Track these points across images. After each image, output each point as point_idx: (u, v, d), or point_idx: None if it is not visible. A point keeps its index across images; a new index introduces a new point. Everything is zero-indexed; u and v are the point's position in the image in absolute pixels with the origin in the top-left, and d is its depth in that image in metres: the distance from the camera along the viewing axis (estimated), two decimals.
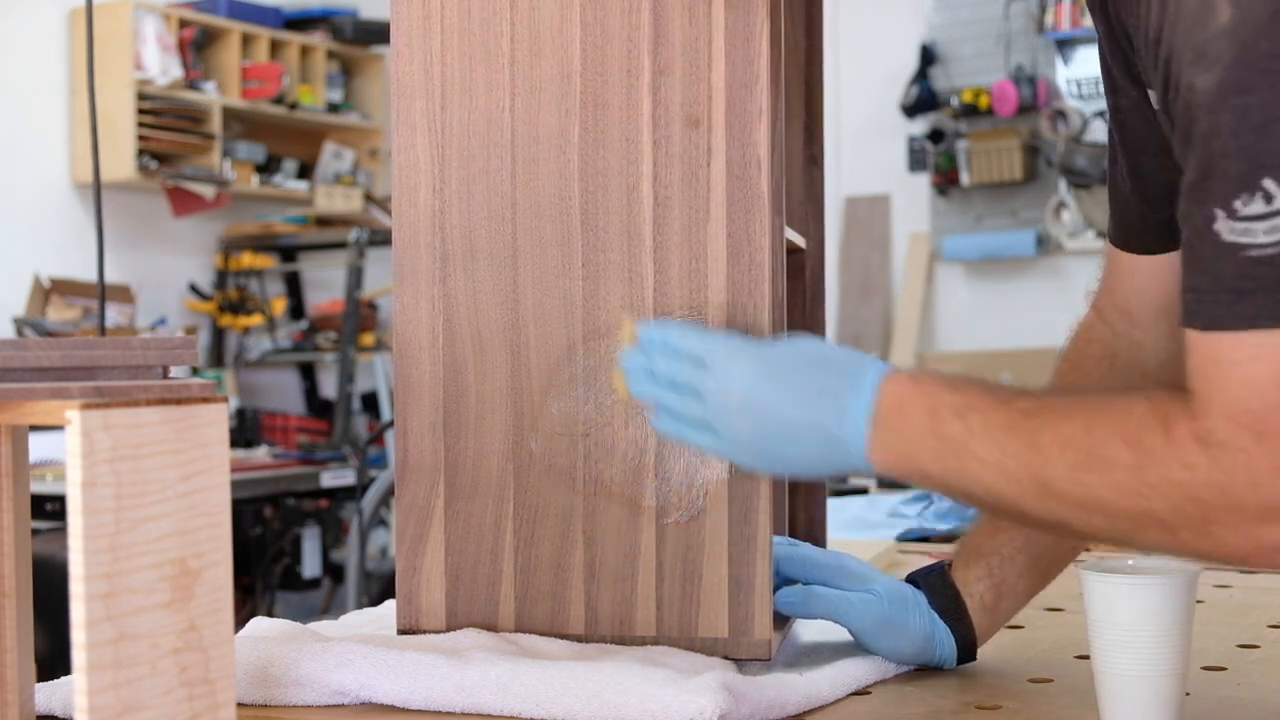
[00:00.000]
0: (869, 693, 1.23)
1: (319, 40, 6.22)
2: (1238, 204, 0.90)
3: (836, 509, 2.22)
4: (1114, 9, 1.11)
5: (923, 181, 6.54)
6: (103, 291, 2.03)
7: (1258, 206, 0.89)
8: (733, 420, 1.13)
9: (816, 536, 1.62)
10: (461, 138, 1.29)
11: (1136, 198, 1.25)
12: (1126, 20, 1.07)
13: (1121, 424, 0.98)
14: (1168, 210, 1.24)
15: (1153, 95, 1.10)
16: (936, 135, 6.41)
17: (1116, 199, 1.28)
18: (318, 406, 6.32)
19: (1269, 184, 0.89)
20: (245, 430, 5.80)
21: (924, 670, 1.30)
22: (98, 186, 1.93)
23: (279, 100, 5.97)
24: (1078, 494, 0.99)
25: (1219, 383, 0.93)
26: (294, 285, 6.41)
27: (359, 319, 5.81)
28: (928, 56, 6.44)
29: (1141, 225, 1.26)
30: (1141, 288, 1.29)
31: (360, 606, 3.15)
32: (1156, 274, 1.28)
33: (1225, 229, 0.91)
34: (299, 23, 6.24)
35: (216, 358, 6.04)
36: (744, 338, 1.20)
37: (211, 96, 5.73)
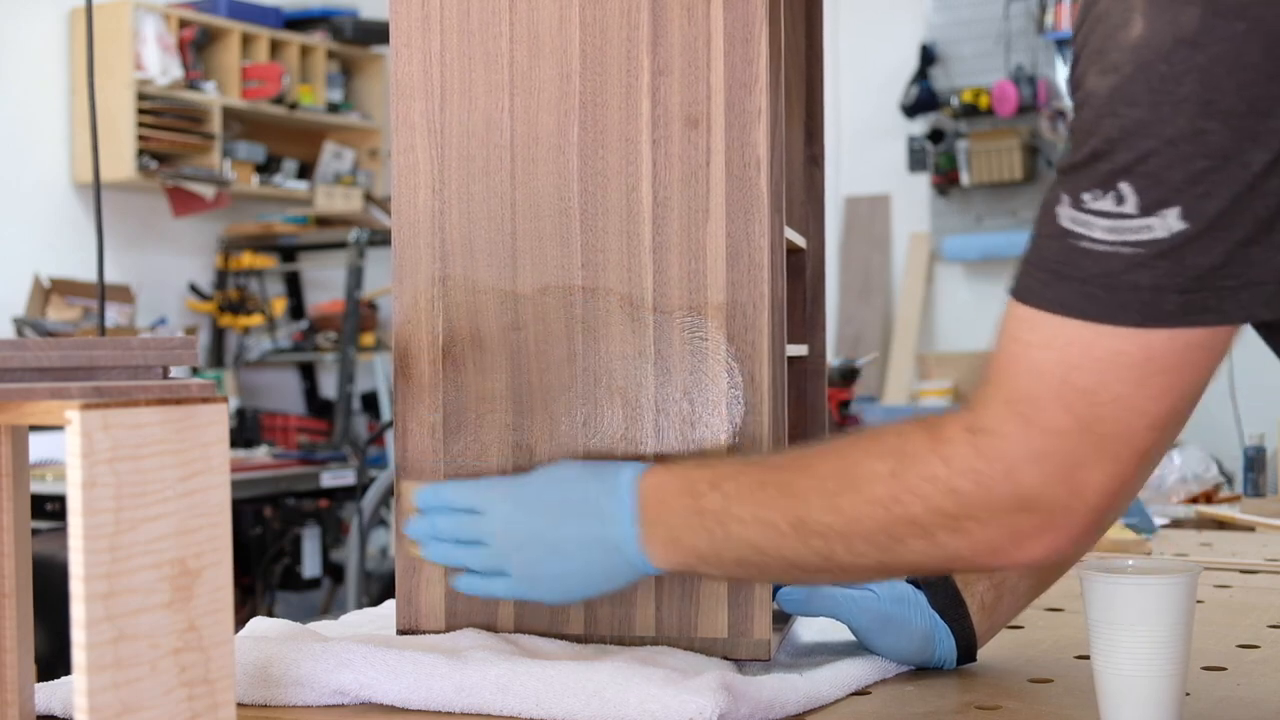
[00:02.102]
0: (869, 693, 1.23)
1: (319, 40, 6.21)
2: (1087, 197, 0.92)
3: None
4: None
5: (923, 181, 6.54)
6: (103, 291, 2.03)
7: (1107, 204, 0.92)
8: (512, 558, 1.17)
9: None
10: (461, 138, 1.29)
11: None
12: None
13: (878, 442, 1.02)
14: None
15: None
16: (936, 135, 6.41)
17: None
18: (318, 406, 6.31)
19: (1125, 188, 0.91)
20: (245, 430, 5.80)
21: (924, 670, 1.30)
22: (98, 186, 1.93)
23: (279, 100, 5.96)
24: (835, 522, 1.02)
25: (1007, 363, 0.96)
26: (294, 285, 6.41)
27: (359, 319, 5.81)
28: (928, 56, 6.44)
29: None
30: None
31: (360, 606, 3.15)
32: None
33: (1065, 215, 0.94)
34: (299, 23, 6.24)
35: (216, 358, 6.04)
36: (507, 476, 1.23)
37: (211, 96, 5.72)
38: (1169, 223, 0.90)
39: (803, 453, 1.08)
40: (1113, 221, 0.92)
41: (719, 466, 1.12)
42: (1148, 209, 0.90)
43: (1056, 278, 0.94)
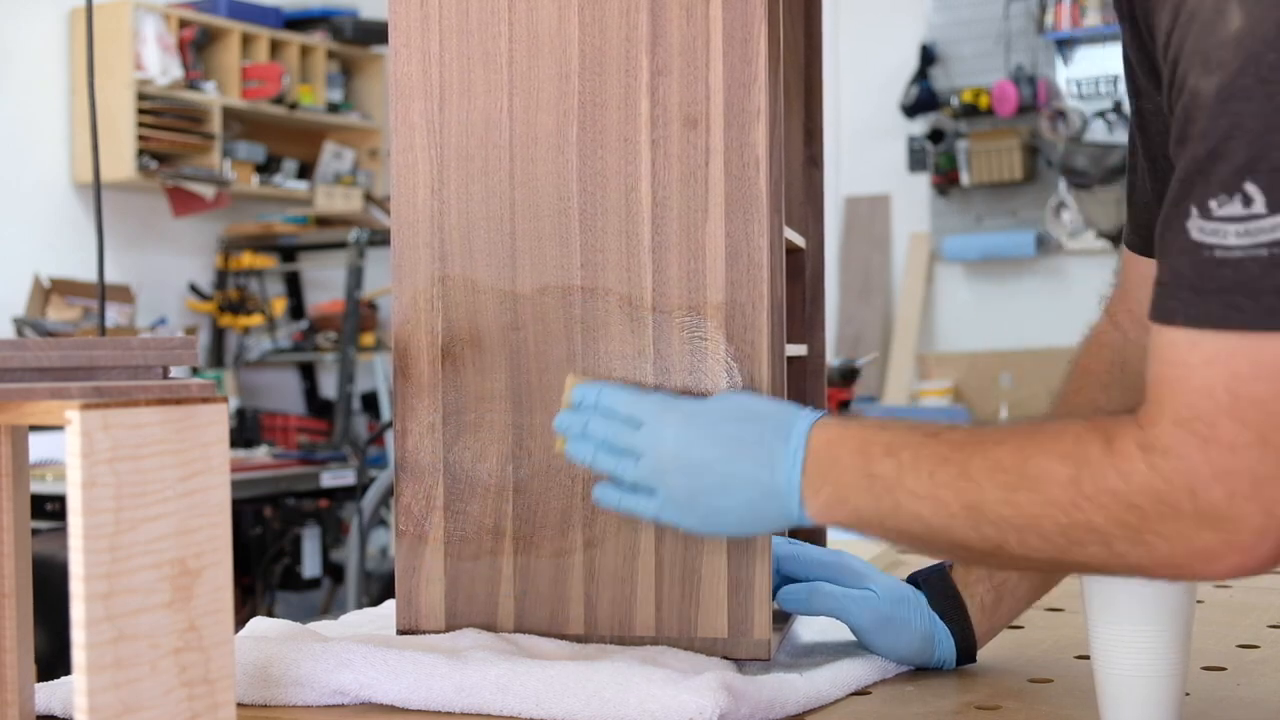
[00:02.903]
0: (869, 693, 1.23)
1: (319, 40, 6.22)
2: (1214, 204, 0.90)
3: None
4: (1140, 13, 1.12)
5: (923, 181, 6.55)
6: (103, 291, 2.03)
7: (1234, 208, 0.90)
8: (669, 480, 1.14)
9: (816, 537, 1.62)
10: (460, 138, 1.29)
11: (1157, 200, 1.26)
12: (1152, 23, 1.08)
13: (1056, 442, 0.99)
14: None
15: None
16: (936, 135, 6.41)
17: (1135, 203, 1.29)
18: (318, 406, 6.32)
19: (1251, 188, 0.89)
20: (245, 430, 5.80)
21: (924, 670, 1.30)
22: (98, 186, 1.93)
23: (279, 100, 5.97)
24: (1011, 516, 1.00)
25: (1173, 386, 0.94)
26: (294, 285, 6.41)
27: (359, 319, 5.81)
28: (928, 56, 6.44)
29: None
30: None
31: (360, 606, 3.15)
32: None
33: (1195, 228, 0.91)
34: (299, 23, 6.24)
35: (216, 358, 6.04)
36: (676, 395, 1.20)
37: (211, 96, 5.73)
38: None
39: (980, 434, 1.04)
40: (1244, 225, 0.89)
41: (896, 432, 1.08)
42: (1278, 205, 0.88)
43: (1196, 294, 0.91)
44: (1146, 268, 1.30)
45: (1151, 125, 1.23)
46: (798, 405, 1.14)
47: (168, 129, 5.56)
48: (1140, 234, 1.30)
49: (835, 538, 1.74)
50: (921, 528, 1.05)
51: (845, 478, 1.08)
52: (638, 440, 1.15)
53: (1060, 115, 6.11)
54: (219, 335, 6.07)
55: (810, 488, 1.09)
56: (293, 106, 6.04)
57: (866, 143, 6.53)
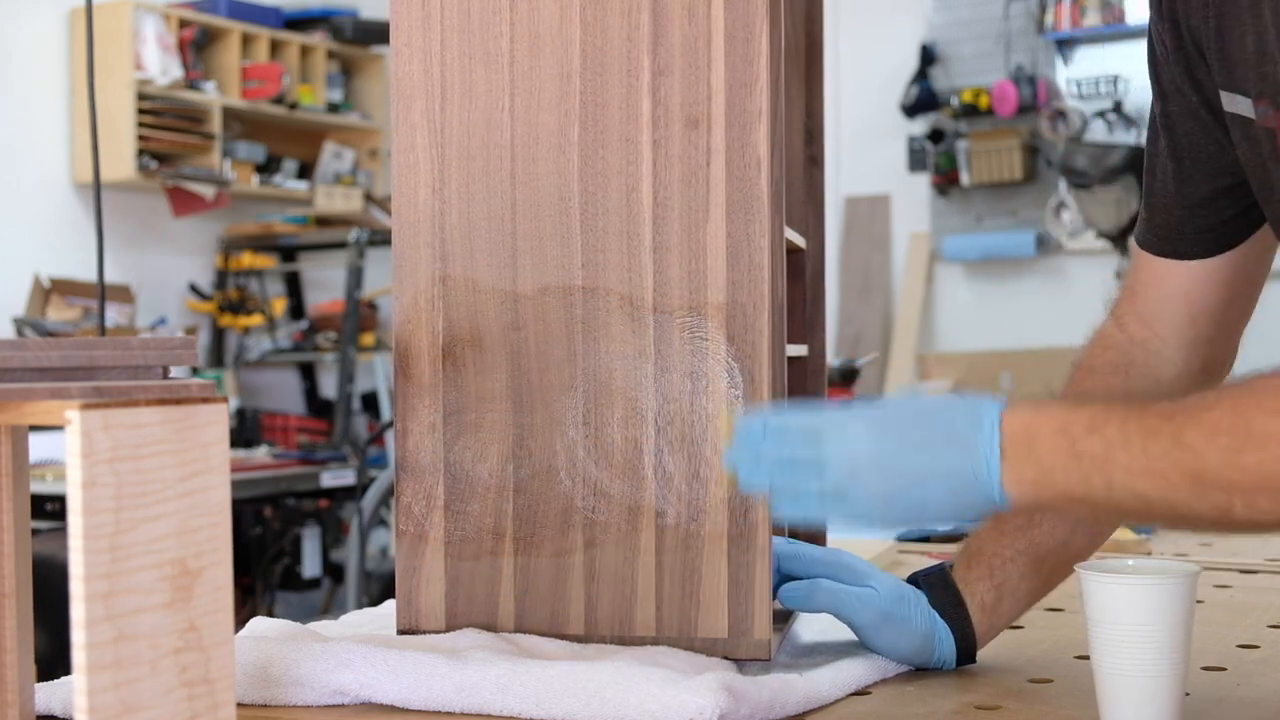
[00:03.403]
0: (869, 693, 1.23)
1: (319, 40, 6.21)
2: None
3: None
4: (1185, 18, 1.12)
5: (923, 181, 6.55)
6: (103, 291, 2.03)
7: None
8: (865, 482, 1.11)
9: (816, 536, 1.62)
10: (461, 138, 1.29)
11: (1179, 203, 1.26)
12: (1197, 24, 1.09)
13: (1273, 399, 0.98)
14: (1211, 216, 1.26)
15: (1229, 98, 1.11)
16: (936, 135, 6.41)
17: (1154, 205, 1.29)
18: (318, 406, 6.31)
19: None
20: (245, 430, 5.80)
21: (924, 670, 1.30)
22: (98, 186, 1.93)
23: (279, 100, 5.96)
24: (1238, 478, 0.98)
25: None
26: (294, 285, 6.41)
27: (359, 319, 5.81)
28: (928, 56, 6.44)
29: (1179, 230, 1.28)
30: (1168, 294, 1.30)
31: (360, 606, 3.15)
32: (1185, 281, 1.29)
33: None
34: (299, 23, 6.24)
35: (216, 358, 6.04)
36: (853, 402, 1.19)
37: (211, 96, 5.72)
38: None
39: (1186, 402, 1.03)
40: None
41: (1095, 410, 1.06)
42: None
43: None
44: (1162, 268, 1.30)
45: (1179, 126, 1.23)
46: (978, 395, 1.12)
47: (168, 129, 5.56)
48: (1157, 235, 1.30)
49: (835, 537, 1.74)
50: (1140, 503, 1.03)
51: (1049, 459, 1.06)
52: (821, 452, 1.12)
53: (1060, 115, 6.11)
54: (219, 335, 6.07)
55: (1012, 474, 1.07)
56: (293, 106, 6.03)
57: (866, 143, 6.53)
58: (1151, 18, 1.24)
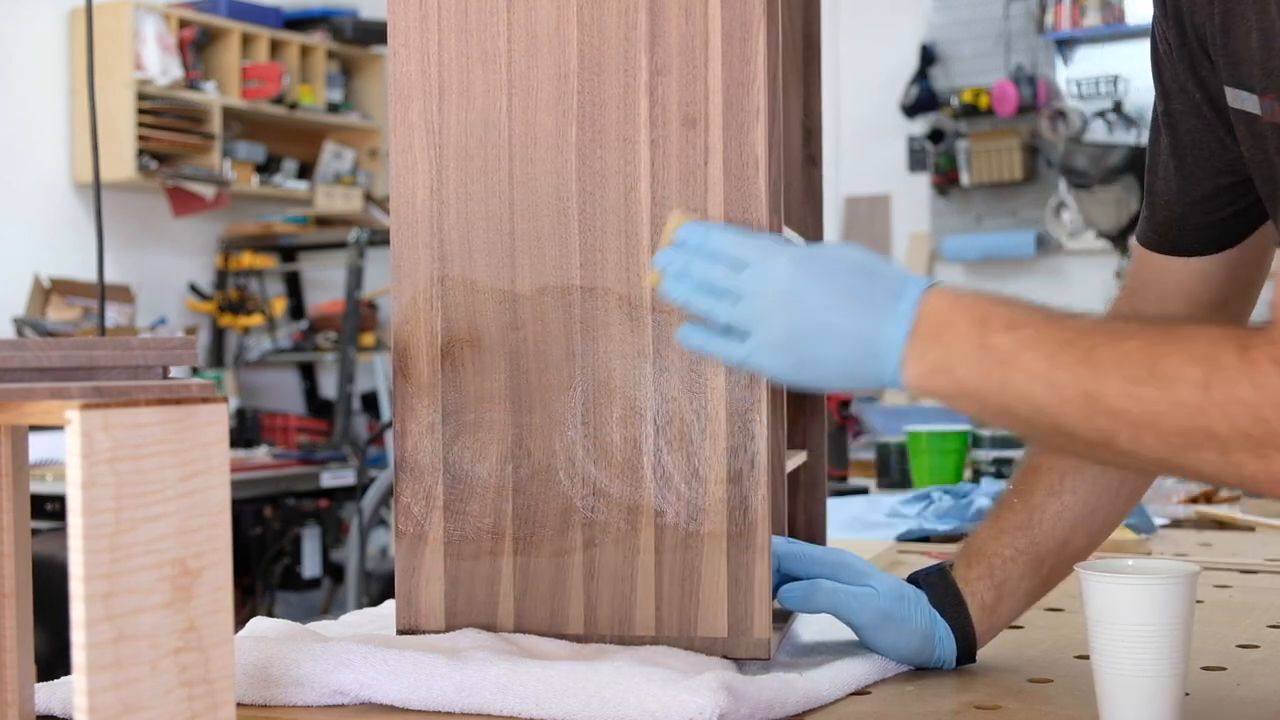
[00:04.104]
0: (869, 693, 1.23)
1: (319, 40, 6.21)
2: None
3: (836, 509, 2.22)
4: (1189, 15, 1.12)
5: (923, 181, 6.55)
6: (103, 291, 2.03)
7: None
8: (769, 319, 1.10)
9: (816, 536, 1.62)
10: (459, 138, 1.29)
11: (1180, 200, 1.26)
12: (1203, 22, 1.09)
13: (1189, 343, 0.97)
14: (1212, 213, 1.26)
15: (1234, 94, 1.11)
16: (936, 135, 6.41)
17: (1156, 203, 1.29)
18: (318, 406, 6.31)
19: None
20: (245, 430, 5.80)
21: (924, 670, 1.30)
22: (98, 186, 1.93)
23: (279, 100, 5.96)
24: (1132, 409, 0.98)
25: None
26: (294, 285, 6.41)
27: (359, 319, 5.81)
28: (928, 56, 6.44)
29: (1180, 227, 1.28)
30: (1169, 292, 1.30)
31: (360, 606, 3.15)
32: (1185, 279, 1.29)
33: None
34: (299, 23, 6.24)
35: (216, 358, 6.04)
36: (787, 240, 1.17)
37: (211, 96, 5.73)
38: None
39: (1109, 325, 1.03)
40: None
41: (1019, 310, 1.05)
42: None
43: None
44: (1162, 266, 1.31)
45: (1181, 124, 1.24)
46: (906, 270, 1.11)
47: (168, 129, 5.56)
48: (1159, 232, 1.30)
49: (835, 537, 1.74)
50: (1029, 409, 1.02)
51: (956, 345, 1.05)
52: (741, 282, 1.11)
53: (1060, 115, 6.11)
54: (219, 335, 6.07)
55: (915, 351, 1.06)
56: (293, 106, 6.03)
57: (866, 142, 6.53)
58: (1155, 15, 1.24)
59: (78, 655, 0.83)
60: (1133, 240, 1.36)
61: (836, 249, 1.13)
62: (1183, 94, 1.22)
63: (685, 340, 1.16)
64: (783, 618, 1.36)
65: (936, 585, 1.31)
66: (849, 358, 1.08)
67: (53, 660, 1.75)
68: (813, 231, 1.62)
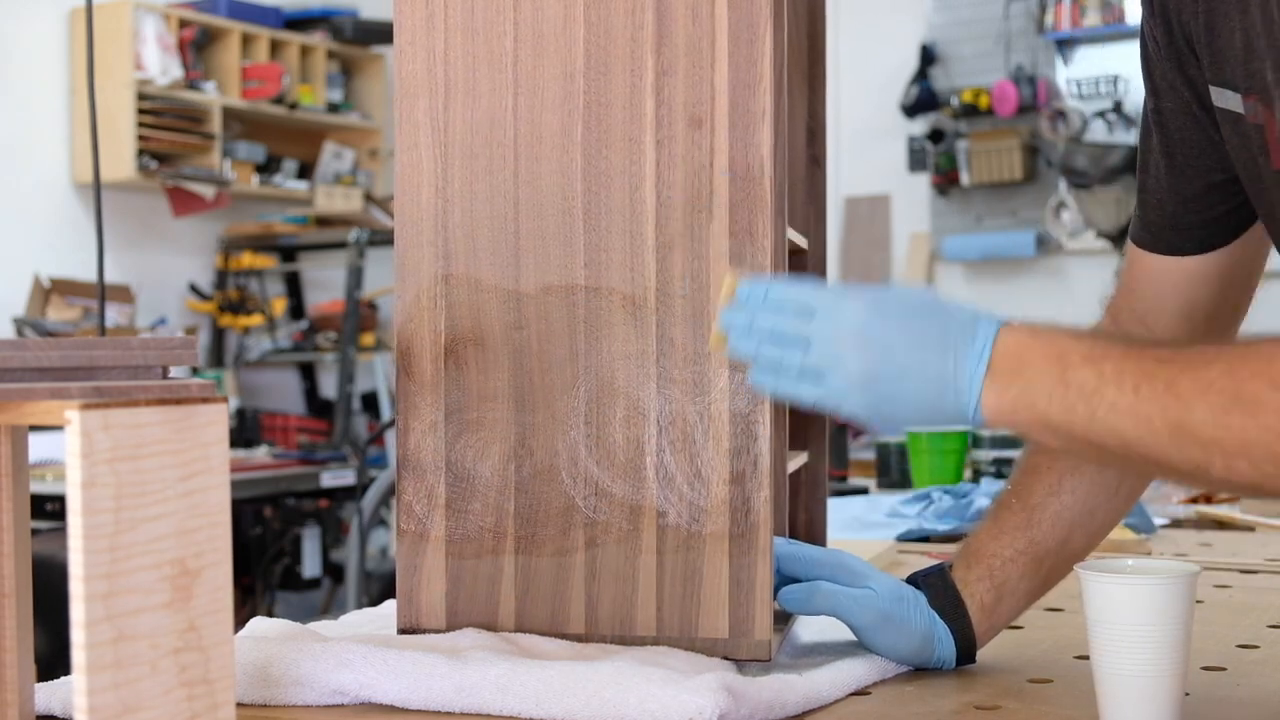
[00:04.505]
0: (869, 693, 1.23)
1: (319, 40, 6.21)
2: None
3: (836, 509, 2.22)
4: (1176, 14, 1.12)
5: (923, 181, 6.55)
6: (103, 291, 2.03)
7: None
8: (845, 361, 1.10)
9: (816, 536, 1.62)
10: (464, 137, 1.29)
11: (1172, 198, 1.26)
12: (1189, 20, 1.09)
13: (1270, 366, 0.98)
14: (1204, 211, 1.26)
15: (1219, 94, 1.11)
16: (936, 135, 6.41)
17: (1147, 202, 1.29)
18: (318, 406, 6.31)
19: None
20: (245, 430, 5.80)
21: (924, 670, 1.30)
22: (98, 186, 1.93)
23: (279, 100, 5.96)
24: (1221, 438, 0.98)
25: None
26: (294, 285, 6.41)
27: (359, 319, 5.81)
28: (928, 56, 6.44)
29: (1172, 226, 1.28)
30: (1162, 291, 1.30)
31: (360, 606, 3.15)
32: (1179, 278, 1.29)
33: None
34: (299, 23, 6.24)
35: (216, 358, 6.04)
36: (854, 285, 1.17)
37: (211, 96, 5.72)
38: None
39: (1188, 353, 1.03)
40: None
41: (1096, 343, 1.06)
42: None
43: None
44: (1156, 265, 1.30)
45: (1171, 122, 1.24)
46: (977, 307, 1.12)
47: (168, 129, 5.56)
48: (1151, 231, 1.30)
49: (835, 538, 1.74)
50: (1117, 442, 1.03)
51: (1037, 381, 1.05)
52: (810, 329, 1.12)
53: (1060, 115, 6.10)
54: (219, 335, 6.07)
55: (994, 387, 1.07)
56: (293, 106, 6.03)
57: (866, 143, 6.52)
58: (1144, 14, 1.24)
59: (78, 655, 0.83)
60: (1128, 240, 1.36)
61: (906, 290, 1.14)
62: (1172, 92, 1.22)
63: (759, 383, 1.16)
64: (783, 619, 1.36)
65: (936, 586, 1.31)
66: (928, 396, 1.09)
67: (53, 660, 1.75)
68: (816, 233, 1.62)
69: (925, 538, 2.12)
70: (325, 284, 6.39)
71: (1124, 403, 1.02)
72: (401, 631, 1.31)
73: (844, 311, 1.11)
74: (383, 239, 5.67)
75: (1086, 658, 1.11)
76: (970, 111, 6.29)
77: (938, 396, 1.09)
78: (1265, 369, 0.98)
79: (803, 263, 1.60)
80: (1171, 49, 1.20)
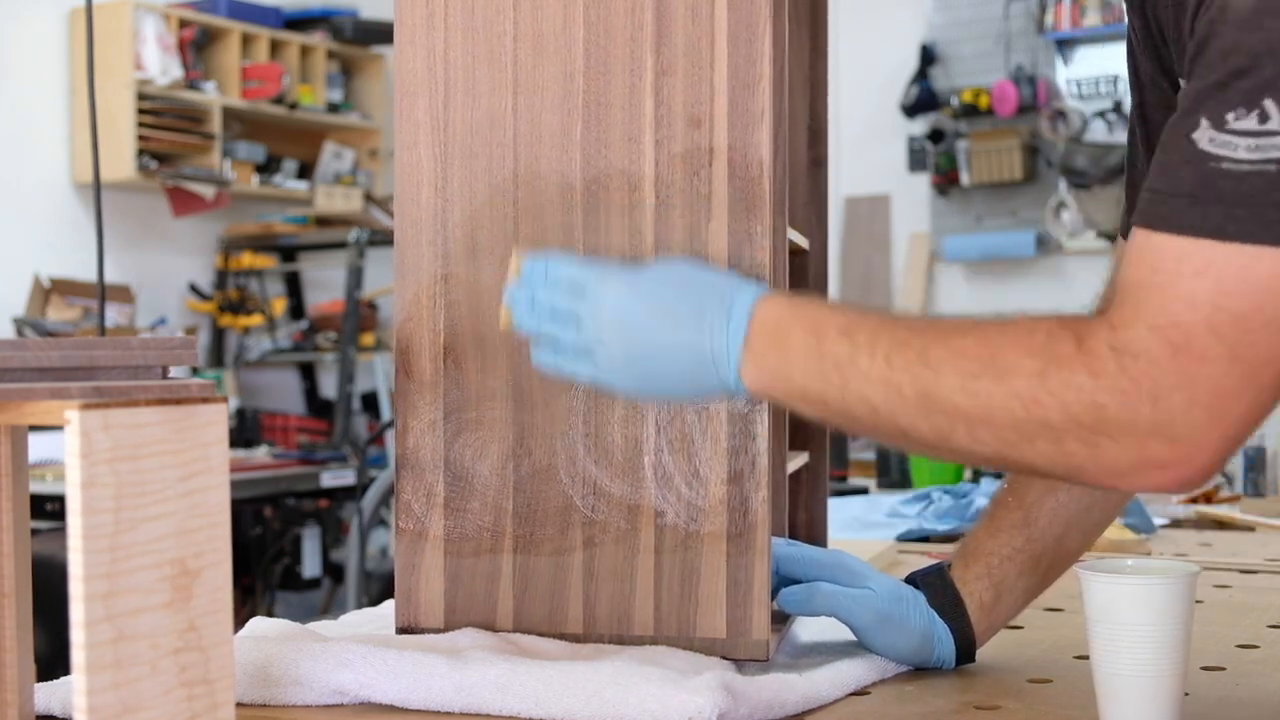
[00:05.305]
0: (868, 693, 1.23)
1: (319, 40, 6.21)
2: (1230, 116, 0.91)
3: (836, 509, 2.22)
4: (1151, 7, 1.12)
5: (923, 181, 6.54)
6: (103, 291, 2.03)
7: (1249, 123, 0.91)
8: (607, 343, 1.13)
9: (816, 536, 1.62)
10: (464, 136, 1.29)
11: None
12: (1161, 13, 1.09)
13: (1026, 337, 0.98)
14: None
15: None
16: (936, 135, 6.41)
17: (1134, 195, 1.29)
18: (318, 406, 6.31)
19: (1270, 105, 0.90)
20: (245, 430, 5.80)
21: (923, 670, 1.30)
22: (98, 186, 1.93)
23: (279, 100, 5.96)
24: (966, 405, 0.99)
25: (1155, 291, 0.94)
26: (294, 285, 6.40)
27: (359, 319, 5.81)
28: (928, 56, 6.44)
29: None
30: None
31: (360, 606, 3.15)
32: None
33: (1205, 138, 0.92)
34: (299, 23, 6.24)
35: (216, 358, 6.04)
36: (621, 263, 1.19)
37: (211, 96, 5.72)
38: None
39: (944, 323, 1.04)
40: (1256, 140, 0.90)
41: (852, 315, 1.07)
42: None
43: (1194, 203, 0.92)
44: None
45: (1154, 117, 1.23)
46: (738, 279, 1.14)
47: (168, 129, 5.56)
48: None
49: (835, 538, 1.74)
50: (867, 411, 1.04)
51: (793, 354, 1.07)
52: (580, 306, 1.15)
53: (1060, 115, 6.11)
54: (219, 335, 6.07)
55: (753, 359, 1.09)
56: (293, 106, 6.03)
57: (866, 143, 6.52)
58: (1126, 8, 1.24)
59: (78, 655, 0.83)
60: (1118, 237, 1.36)
61: (666, 266, 1.16)
62: (1154, 86, 1.22)
63: (539, 363, 1.18)
64: (781, 619, 1.36)
65: (935, 586, 1.31)
66: (688, 372, 1.11)
67: (53, 660, 1.75)
68: (817, 234, 1.62)
69: (925, 538, 2.12)
70: (325, 284, 6.39)
71: (876, 371, 1.03)
72: (400, 630, 1.31)
73: (604, 293, 1.14)
74: (383, 239, 5.67)
75: (1086, 658, 1.11)
76: (970, 111, 6.29)
77: (699, 372, 1.11)
78: (1022, 338, 0.98)
79: (804, 263, 1.60)
80: (1149, 42, 1.20)
